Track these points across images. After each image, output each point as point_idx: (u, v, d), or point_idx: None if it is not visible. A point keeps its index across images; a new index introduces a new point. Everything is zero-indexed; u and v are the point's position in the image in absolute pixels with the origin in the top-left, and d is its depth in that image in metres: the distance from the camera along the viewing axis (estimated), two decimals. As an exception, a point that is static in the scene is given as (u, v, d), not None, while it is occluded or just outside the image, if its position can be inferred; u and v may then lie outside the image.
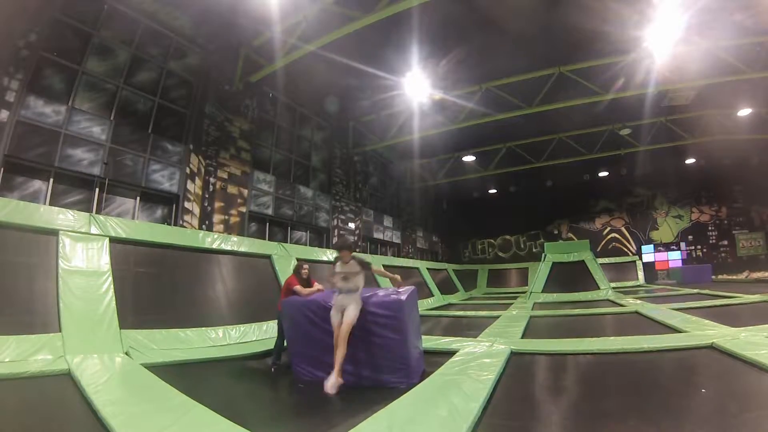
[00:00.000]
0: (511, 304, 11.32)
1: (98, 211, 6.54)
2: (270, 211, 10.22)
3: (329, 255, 9.89)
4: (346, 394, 3.49)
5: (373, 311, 3.91)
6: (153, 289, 5.54)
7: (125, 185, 7.12)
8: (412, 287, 4.36)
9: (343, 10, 7.51)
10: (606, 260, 17.95)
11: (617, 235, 20.05)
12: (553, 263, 13.45)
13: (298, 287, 4.69)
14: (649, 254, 19.12)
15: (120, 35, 7.23)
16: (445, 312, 10.36)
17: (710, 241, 18.40)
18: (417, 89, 10.56)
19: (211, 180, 8.49)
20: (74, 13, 6.52)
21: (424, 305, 11.47)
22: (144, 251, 5.68)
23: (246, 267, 7.20)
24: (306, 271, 5.00)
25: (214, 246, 6.78)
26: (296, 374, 4.19)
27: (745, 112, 13.22)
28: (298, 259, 8.00)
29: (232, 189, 8.93)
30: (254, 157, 9.82)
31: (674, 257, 18.66)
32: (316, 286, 4.88)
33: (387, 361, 3.80)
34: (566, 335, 5.71)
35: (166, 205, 7.81)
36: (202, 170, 8.31)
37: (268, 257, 7.71)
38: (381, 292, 4.14)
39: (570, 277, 12.75)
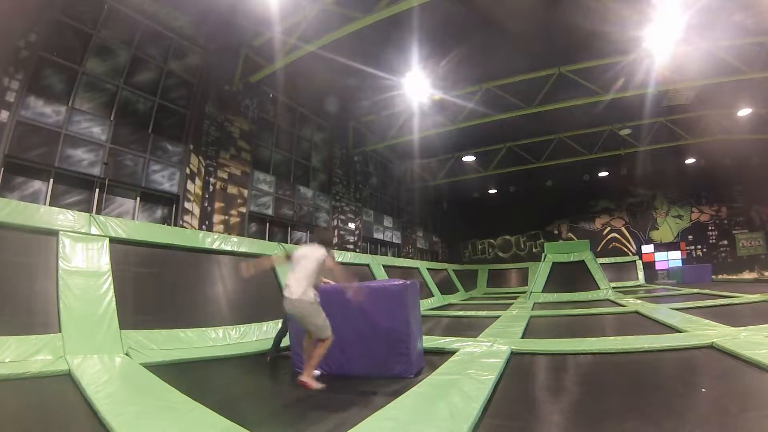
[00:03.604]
0: (511, 304, 11.31)
1: (98, 212, 6.55)
2: (270, 212, 10.22)
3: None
4: (346, 392, 3.49)
5: (378, 296, 3.97)
6: (153, 289, 5.54)
7: (125, 185, 7.13)
8: (414, 280, 4.43)
9: (343, 10, 7.51)
10: (606, 260, 17.94)
11: (617, 235, 20.04)
12: (553, 263, 13.45)
13: None
14: (649, 254, 19.12)
15: (120, 35, 7.23)
16: (445, 312, 10.36)
17: (710, 241, 18.40)
18: (417, 89, 10.56)
19: (211, 180, 8.49)
20: (74, 13, 6.52)
21: (424, 305, 11.46)
22: (144, 252, 5.68)
23: (246, 267, 7.19)
24: None
25: (214, 246, 6.77)
26: (294, 367, 4.21)
27: (745, 112, 13.23)
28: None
29: (232, 189, 8.93)
30: (254, 157, 9.83)
31: (674, 257, 18.66)
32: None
33: (389, 347, 3.85)
34: (566, 335, 5.71)
35: (166, 205, 7.81)
36: (202, 170, 8.31)
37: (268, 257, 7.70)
38: (383, 281, 4.26)
39: (570, 277, 12.75)
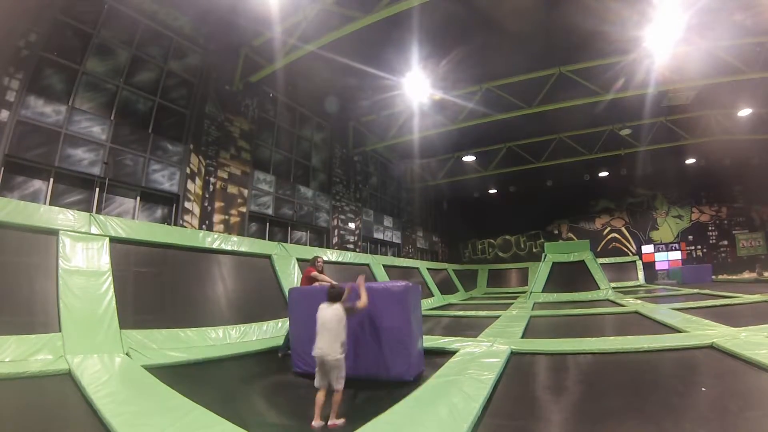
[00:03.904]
0: (511, 304, 11.32)
1: (98, 211, 6.54)
2: (270, 211, 10.22)
3: (329, 255, 9.89)
4: (346, 393, 3.48)
5: (379, 297, 3.97)
6: (153, 289, 5.54)
7: (125, 185, 7.12)
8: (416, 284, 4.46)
9: (343, 10, 7.51)
10: (606, 260, 17.95)
11: (617, 235, 20.05)
12: (553, 263, 13.46)
13: (315, 273, 5.03)
14: (649, 254, 19.12)
15: (120, 35, 7.23)
16: (445, 312, 10.36)
17: (710, 241, 18.41)
18: (417, 89, 10.56)
19: (212, 180, 8.49)
20: (74, 13, 6.52)
21: (424, 305, 11.45)
22: (144, 251, 5.68)
23: (246, 267, 7.20)
24: (321, 264, 5.38)
25: (214, 246, 6.77)
26: (295, 366, 4.22)
27: (745, 112, 13.23)
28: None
29: (232, 189, 8.93)
30: (254, 157, 9.82)
31: (674, 257, 18.66)
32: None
33: (389, 348, 3.86)
34: (566, 335, 5.71)
35: (166, 205, 7.81)
36: (203, 170, 8.31)
37: (268, 257, 7.71)
38: (386, 282, 4.30)
39: (570, 277, 12.76)
